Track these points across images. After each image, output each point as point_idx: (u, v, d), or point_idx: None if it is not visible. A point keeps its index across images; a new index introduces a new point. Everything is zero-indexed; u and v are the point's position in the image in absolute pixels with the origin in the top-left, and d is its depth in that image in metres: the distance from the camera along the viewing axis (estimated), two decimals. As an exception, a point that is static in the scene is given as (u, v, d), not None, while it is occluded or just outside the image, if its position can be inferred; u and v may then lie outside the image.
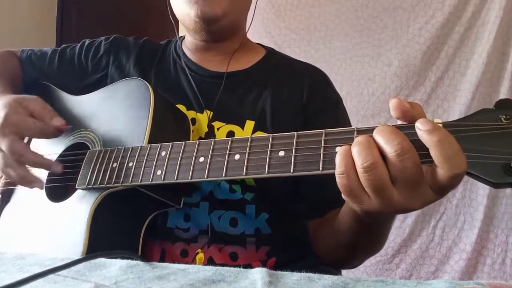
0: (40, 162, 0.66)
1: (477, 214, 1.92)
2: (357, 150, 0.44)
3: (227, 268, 0.46)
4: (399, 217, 1.98)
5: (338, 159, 0.45)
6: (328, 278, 0.43)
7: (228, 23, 0.81)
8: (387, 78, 2.05)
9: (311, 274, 0.44)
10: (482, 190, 1.92)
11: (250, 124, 0.77)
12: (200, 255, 0.71)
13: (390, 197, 0.44)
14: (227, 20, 0.79)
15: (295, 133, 0.51)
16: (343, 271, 0.82)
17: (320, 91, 0.84)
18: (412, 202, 0.44)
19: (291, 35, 2.19)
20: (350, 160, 0.44)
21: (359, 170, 0.44)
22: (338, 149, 0.46)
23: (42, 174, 0.76)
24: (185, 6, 0.77)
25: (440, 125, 0.43)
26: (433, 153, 0.42)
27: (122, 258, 0.49)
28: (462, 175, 0.42)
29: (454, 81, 2.00)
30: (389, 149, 0.42)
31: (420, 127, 0.43)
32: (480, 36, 1.96)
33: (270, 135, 0.52)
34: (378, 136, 0.44)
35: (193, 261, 0.71)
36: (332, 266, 0.75)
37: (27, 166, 0.66)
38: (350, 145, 0.45)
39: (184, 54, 0.88)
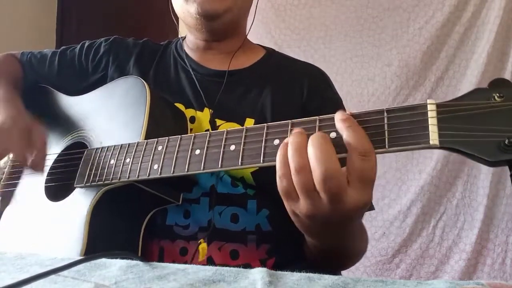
0: None
1: (477, 214, 1.92)
2: (292, 152, 0.46)
3: (227, 268, 0.46)
4: (399, 217, 1.98)
5: (278, 162, 0.47)
6: (328, 278, 0.43)
7: (229, 21, 0.81)
8: (387, 78, 2.05)
9: (311, 274, 0.44)
10: (482, 190, 1.92)
11: (250, 122, 0.77)
12: (203, 245, 0.70)
13: (317, 201, 0.45)
14: (227, 18, 0.80)
15: (290, 121, 0.51)
16: (343, 271, 0.82)
17: (320, 91, 0.84)
18: (341, 208, 0.46)
19: (291, 35, 2.18)
20: (287, 161, 0.46)
21: (292, 172, 0.45)
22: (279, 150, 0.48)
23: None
24: (185, 4, 0.78)
25: (433, 106, 0.44)
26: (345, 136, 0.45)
27: (122, 258, 0.49)
28: (370, 154, 0.44)
29: (454, 81, 2.00)
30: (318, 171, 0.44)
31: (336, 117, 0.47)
32: (480, 36, 1.96)
33: (265, 124, 0.52)
34: (311, 148, 0.45)
35: (195, 252, 0.71)
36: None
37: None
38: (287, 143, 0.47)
39: (185, 53, 0.88)
